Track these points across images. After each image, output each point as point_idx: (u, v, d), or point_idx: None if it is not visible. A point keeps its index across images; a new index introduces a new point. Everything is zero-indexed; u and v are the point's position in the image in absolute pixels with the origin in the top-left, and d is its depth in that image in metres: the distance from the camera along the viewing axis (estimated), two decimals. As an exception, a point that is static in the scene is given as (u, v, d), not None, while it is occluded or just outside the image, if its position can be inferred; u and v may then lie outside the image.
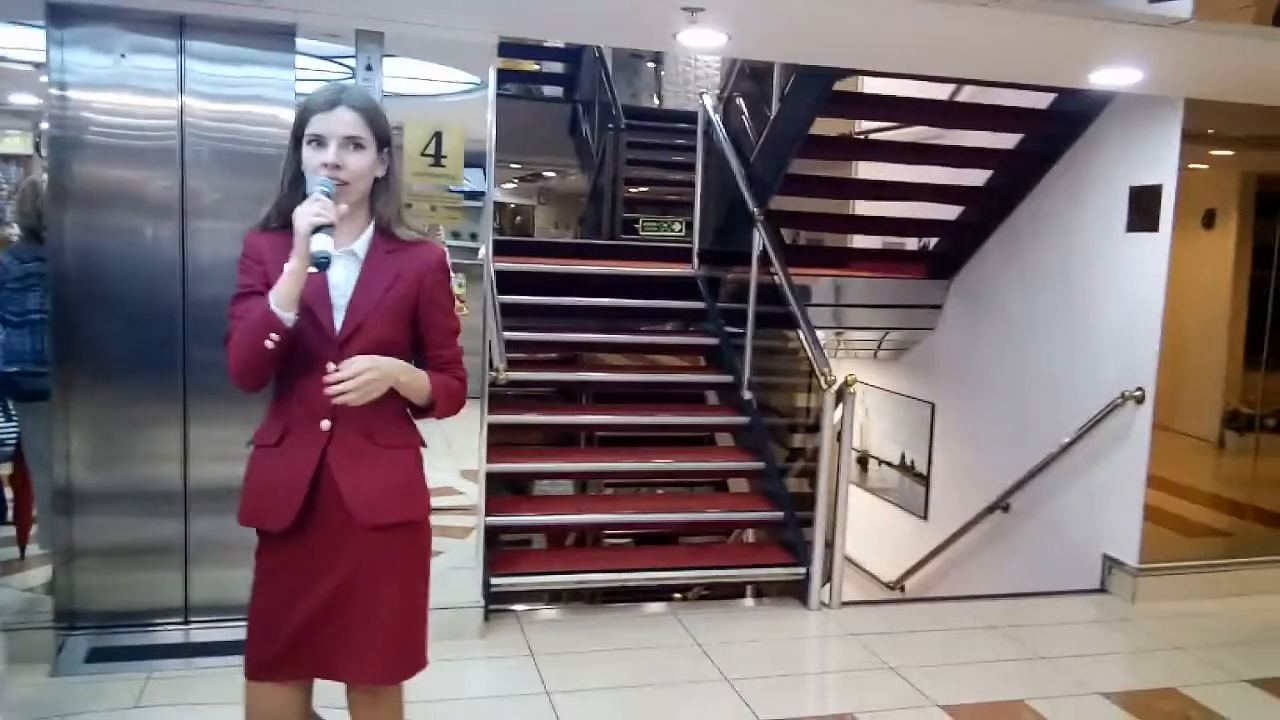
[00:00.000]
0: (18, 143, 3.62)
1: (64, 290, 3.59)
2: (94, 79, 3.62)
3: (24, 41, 3.47)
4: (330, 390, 2.00)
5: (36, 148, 3.55)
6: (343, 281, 2.10)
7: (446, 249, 2.27)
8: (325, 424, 2.09)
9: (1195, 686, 3.88)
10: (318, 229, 1.94)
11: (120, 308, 3.70)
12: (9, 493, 3.40)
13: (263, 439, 2.15)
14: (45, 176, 3.53)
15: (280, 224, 2.11)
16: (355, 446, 2.10)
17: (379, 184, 2.13)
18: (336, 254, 2.01)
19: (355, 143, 2.05)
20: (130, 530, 3.79)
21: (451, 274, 2.19)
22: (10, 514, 3.47)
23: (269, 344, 1.99)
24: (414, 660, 2.22)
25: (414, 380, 2.13)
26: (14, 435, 3.53)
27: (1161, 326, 4.66)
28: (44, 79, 3.48)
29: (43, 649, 3.52)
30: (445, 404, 2.19)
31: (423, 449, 2.24)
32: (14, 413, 3.52)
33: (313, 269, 1.97)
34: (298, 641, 2.13)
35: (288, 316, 1.99)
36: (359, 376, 2.00)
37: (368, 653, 2.14)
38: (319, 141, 2.04)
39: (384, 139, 2.11)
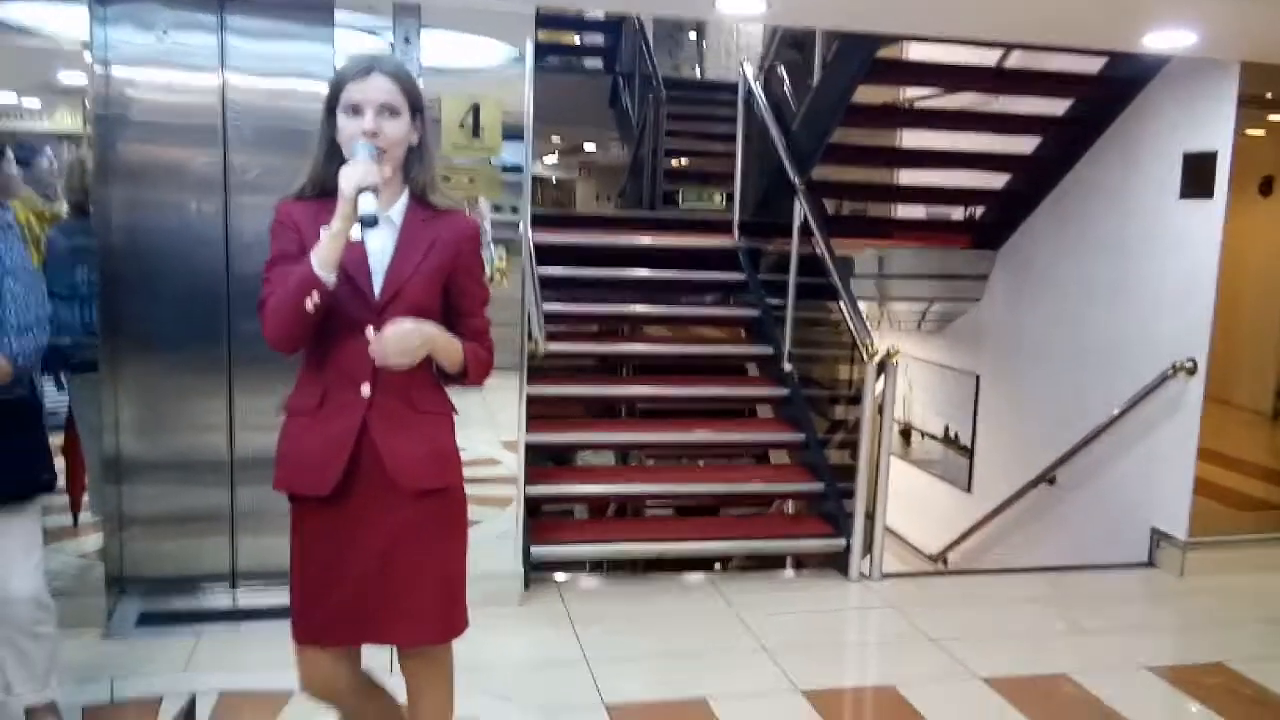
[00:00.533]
0: (69, 120, 3.68)
1: (111, 264, 3.66)
2: (137, 56, 3.67)
3: (71, 20, 3.51)
4: (374, 350, 2.02)
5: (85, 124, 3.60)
6: (380, 249, 2.11)
7: (480, 219, 2.27)
8: (365, 389, 2.10)
9: (1244, 661, 3.80)
10: (363, 190, 1.95)
11: (166, 281, 3.78)
12: (61, 461, 3.49)
13: (298, 405, 2.16)
14: (90, 153, 3.58)
15: (315, 193, 2.13)
16: (395, 412, 2.12)
17: (413, 152, 2.14)
18: (382, 221, 2.04)
19: (391, 109, 2.06)
20: (178, 498, 3.89)
21: (484, 245, 2.20)
22: (63, 482, 3.55)
23: (310, 305, 1.99)
24: (459, 620, 2.26)
25: (450, 346, 2.14)
26: (65, 406, 3.62)
27: (1215, 296, 4.54)
28: (88, 56, 3.52)
29: (95, 613, 3.62)
30: (475, 372, 2.21)
31: (455, 416, 2.26)
32: (65, 383, 3.60)
33: (357, 230, 1.98)
34: (344, 606, 2.16)
35: (329, 278, 2.00)
36: (405, 338, 2.02)
37: (415, 614, 2.17)
38: (355, 109, 2.05)
39: (417, 106, 2.12)
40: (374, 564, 2.14)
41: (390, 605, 2.16)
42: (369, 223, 1.95)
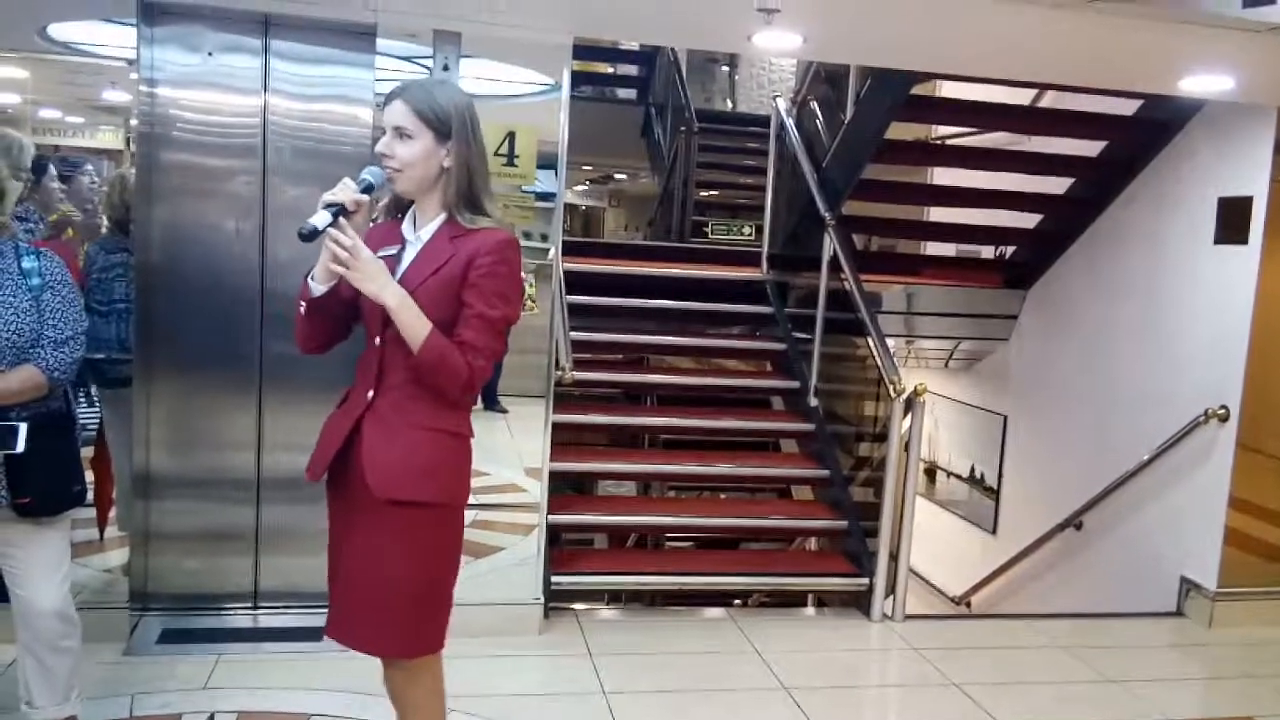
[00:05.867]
0: (110, 138, 3.74)
1: (148, 281, 3.70)
2: (182, 76, 3.74)
3: (117, 39, 3.58)
4: (331, 242, 2.06)
5: (128, 143, 3.66)
6: (405, 265, 2.21)
7: (514, 235, 2.28)
8: (369, 394, 2.20)
9: (1273, 716, 3.73)
10: (330, 205, 2.07)
11: (201, 299, 3.81)
12: (90, 475, 3.52)
13: (340, 399, 2.32)
14: (133, 170, 3.64)
15: (390, 214, 2.31)
16: (388, 419, 2.18)
17: (446, 173, 2.19)
18: (412, 239, 2.21)
19: (403, 133, 2.16)
20: (204, 516, 3.90)
21: (510, 262, 2.17)
22: (90, 496, 3.57)
23: (301, 309, 2.21)
24: (425, 639, 2.26)
25: (415, 321, 2.08)
26: (96, 420, 3.65)
27: (1249, 342, 4.49)
28: (134, 76, 3.58)
29: (118, 628, 3.63)
30: (435, 365, 2.10)
31: (464, 437, 2.25)
32: (96, 398, 3.64)
33: (393, 248, 2.18)
34: (335, 601, 2.27)
35: (316, 288, 2.18)
36: (371, 262, 2.07)
37: (375, 623, 2.21)
38: (382, 133, 2.19)
39: (442, 131, 2.16)
40: (354, 564, 2.22)
41: (357, 608, 2.22)
42: (301, 234, 2.05)
